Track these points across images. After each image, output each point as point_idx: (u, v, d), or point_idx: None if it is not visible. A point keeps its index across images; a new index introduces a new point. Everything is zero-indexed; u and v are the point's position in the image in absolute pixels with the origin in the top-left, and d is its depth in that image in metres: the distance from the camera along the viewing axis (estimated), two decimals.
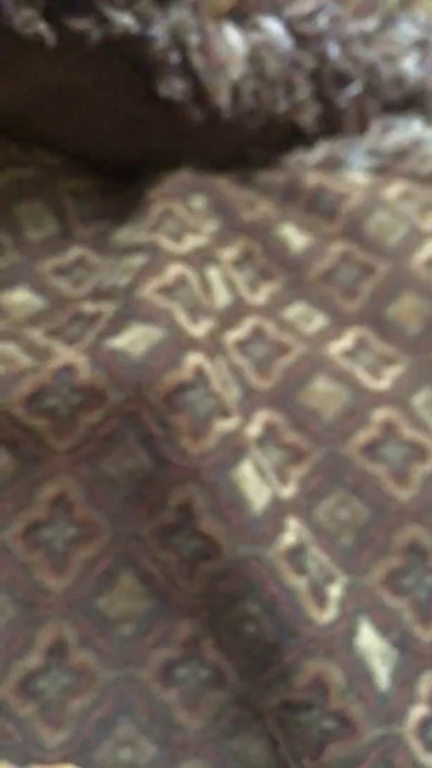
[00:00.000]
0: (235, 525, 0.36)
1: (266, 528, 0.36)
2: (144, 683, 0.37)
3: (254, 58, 0.49)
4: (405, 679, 0.34)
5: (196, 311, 0.43)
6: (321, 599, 0.35)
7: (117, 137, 0.56)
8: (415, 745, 0.32)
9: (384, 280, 0.50)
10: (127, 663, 0.37)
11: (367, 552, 0.38)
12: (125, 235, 0.52)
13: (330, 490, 0.40)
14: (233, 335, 0.46)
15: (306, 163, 0.62)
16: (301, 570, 0.35)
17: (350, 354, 0.46)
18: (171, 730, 0.36)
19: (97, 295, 0.46)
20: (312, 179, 0.57)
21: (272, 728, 0.34)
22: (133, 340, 0.40)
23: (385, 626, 0.35)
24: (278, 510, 0.37)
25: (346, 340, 0.47)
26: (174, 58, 0.45)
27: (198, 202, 0.54)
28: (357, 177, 0.58)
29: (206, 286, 0.47)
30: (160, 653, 0.37)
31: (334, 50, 0.56)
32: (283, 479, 0.40)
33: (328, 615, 0.34)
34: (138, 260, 0.46)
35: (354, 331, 0.48)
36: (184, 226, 0.50)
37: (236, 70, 0.47)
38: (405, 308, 0.49)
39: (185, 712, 0.36)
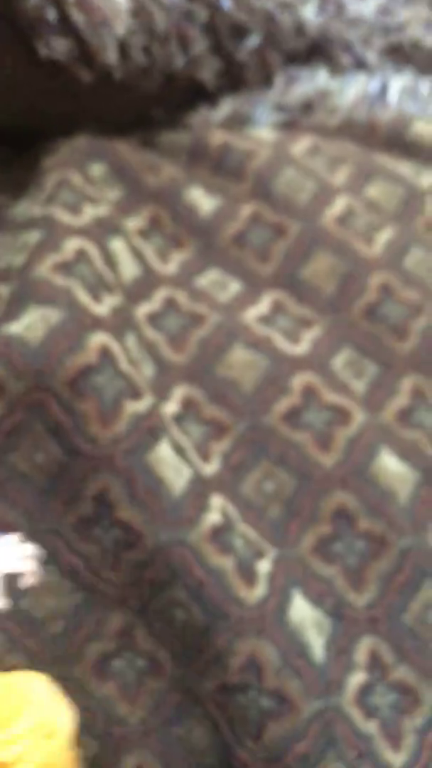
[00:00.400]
0: (155, 511, 0.34)
1: (187, 510, 0.34)
2: (79, 679, 0.35)
3: (140, 11, 0.45)
4: (341, 647, 0.33)
5: (98, 288, 0.41)
6: (249, 577, 0.34)
7: (5, 102, 0.52)
8: (356, 714, 0.32)
9: (296, 241, 0.48)
10: (60, 661, 0.35)
11: (296, 522, 0.37)
12: (21, 209, 0.48)
13: (255, 462, 0.39)
14: (144, 309, 0.44)
15: (210, 122, 0.60)
16: (226, 549, 0.34)
17: (266, 319, 0.45)
18: (112, 723, 0.35)
19: None
20: (217, 138, 0.54)
21: (213, 712, 0.33)
22: (31, 324, 0.37)
23: (318, 596, 0.35)
24: (200, 489, 0.36)
25: (262, 306, 0.46)
26: (51, 14, 0.41)
27: (97, 169, 0.50)
28: (263, 133, 0.56)
29: (110, 260, 0.44)
30: (94, 647, 0.36)
31: (226, 0, 0.53)
32: (205, 456, 0.39)
33: (257, 592, 0.33)
34: (34, 236, 0.43)
35: (269, 296, 0.47)
36: (82, 196, 0.47)
37: (121, 25, 0.43)
38: (319, 268, 0.47)
39: (125, 704, 0.35)
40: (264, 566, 0.35)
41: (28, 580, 0.31)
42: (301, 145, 0.55)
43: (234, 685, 0.32)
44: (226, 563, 0.33)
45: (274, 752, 0.31)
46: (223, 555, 0.33)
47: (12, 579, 0.32)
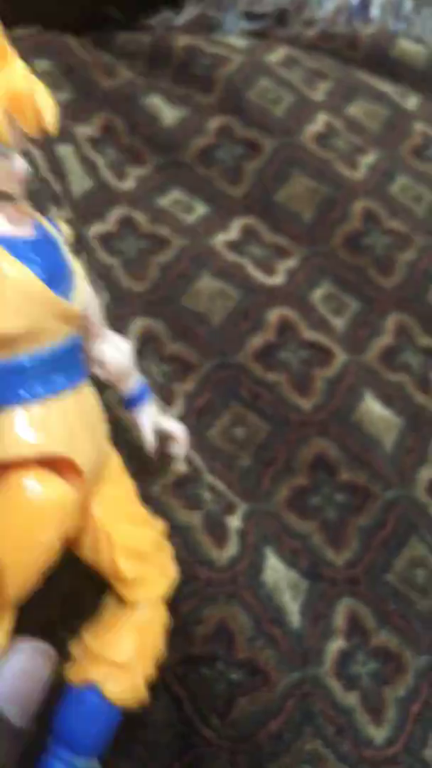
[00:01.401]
0: None
1: (150, 460, 0.29)
2: None
3: None
4: (319, 612, 0.30)
5: (44, 200, 0.34)
6: (220, 534, 0.29)
7: None
8: (334, 685, 0.28)
9: (271, 159, 0.42)
10: None
11: (269, 473, 0.33)
12: None
13: (223, 405, 0.34)
14: (97, 229, 0.38)
15: (174, 25, 0.53)
16: (194, 503, 0.29)
17: (237, 246, 0.40)
18: None
19: None
20: (182, 41, 0.47)
21: (174, 686, 0.29)
22: None
23: (293, 554, 0.31)
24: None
25: (232, 231, 0.40)
26: None
27: (42, 66, 0.43)
28: (233, 40, 0.50)
29: (57, 169, 0.38)
30: None
31: None
32: (167, 399, 0.34)
33: (228, 551, 0.29)
34: None
35: (240, 220, 0.41)
36: None
37: None
38: (297, 192, 0.42)
39: None
40: (234, 522, 0.30)
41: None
42: (276, 54, 0.48)
43: (199, 656, 0.28)
44: (194, 519, 0.29)
45: (244, 730, 0.27)
46: (191, 510, 0.29)
47: None
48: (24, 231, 0.21)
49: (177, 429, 0.27)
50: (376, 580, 0.31)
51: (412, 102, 0.49)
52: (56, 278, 0.20)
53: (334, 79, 0.48)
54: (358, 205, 0.42)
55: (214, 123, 0.44)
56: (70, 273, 0.21)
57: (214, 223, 0.41)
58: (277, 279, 0.38)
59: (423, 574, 0.31)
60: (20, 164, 0.21)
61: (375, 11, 0.58)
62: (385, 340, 0.38)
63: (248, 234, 0.41)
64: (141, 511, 0.24)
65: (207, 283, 0.37)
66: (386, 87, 0.49)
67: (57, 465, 0.20)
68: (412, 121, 0.47)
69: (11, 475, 0.19)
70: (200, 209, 0.41)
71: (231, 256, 0.39)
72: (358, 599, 0.31)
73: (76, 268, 0.22)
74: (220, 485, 0.32)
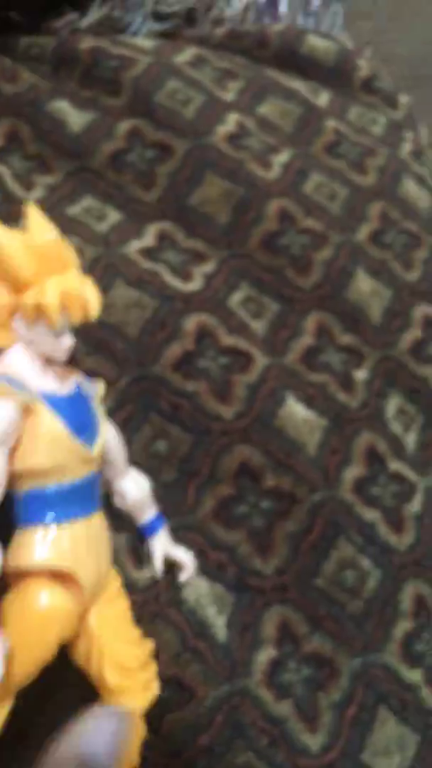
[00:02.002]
0: None
1: None
2: None
3: None
4: (247, 623, 0.29)
5: None
6: (140, 555, 0.28)
7: None
8: (265, 696, 0.28)
9: (183, 162, 0.42)
10: None
11: (194, 485, 0.32)
12: None
13: (143, 419, 0.33)
14: None
15: (79, 27, 0.51)
16: (118, 524, 0.29)
17: (153, 253, 0.39)
18: None
19: None
20: (87, 43, 0.46)
21: None
22: None
23: (218, 568, 0.30)
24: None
25: (147, 238, 0.40)
26: None
27: None
28: (140, 41, 0.49)
29: None
30: None
31: None
32: None
33: (148, 572, 0.28)
34: None
35: (155, 226, 0.40)
36: None
37: None
38: (211, 194, 0.41)
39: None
40: (159, 544, 0.29)
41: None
42: (185, 55, 0.48)
43: None
44: (116, 541, 0.28)
45: (175, 745, 0.27)
46: (115, 531, 0.28)
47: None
48: (65, 388, 0.26)
49: (185, 559, 0.29)
50: (305, 586, 0.31)
51: (323, 99, 0.49)
52: (83, 428, 0.25)
53: (245, 78, 0.48)
54: (273, 205, 0.41)
55: (124, 126, 0.43)
56: (96, 424, 0.26)
57: (128, 231, 0.40)
58: (194, 285, 0.38)
59: (352, 575, 0.31)
60: (68, 341, 0.26)
61: (283, 8, 0.58)
62: (306, 340, 0.38)
63: (163, 240, 0.40)
64: (133, 631, 0.26)
65: (122, 293, 0.36)
66: (297, 84, 0.49)
67: (64, 578, 0.24)
68: (324, 118, 0.47)
69: (26, 583, 0.24)
70: (113, 216, 0.40)
71: (146, 264, 0.38)
72: (288, 606, 0.30)
73: (102, 418, 0.27)
74: None
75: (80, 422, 0.25)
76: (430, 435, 0.39)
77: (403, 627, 0.31)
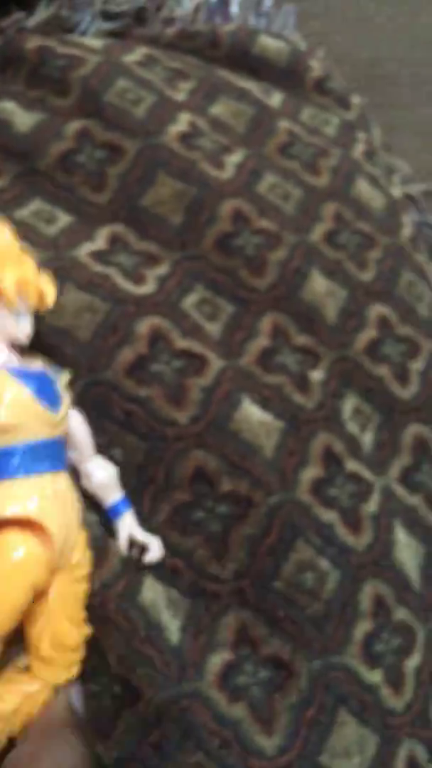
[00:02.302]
0: None
1: None
2: None
3: None
4: (202, 627, 0.29)
5: None
6: (101, 558, 0.28)
7: None
8: (217, 697, 0.28)
9: (134, 162, 0.41)
10: None
11: (149, 492, 0.32)
12: None
13: (97, 427, 0.32)
14: None
15: (26, 26, 0.50)
16: None
17: (104, 256, 0.38)
18: None
19: None
20: (33, 42, 0.45)
21: None
22: None
23: (174, 574, 0.30)
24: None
25: (99, 240, 0.39)
26: None
27: None
28: (88, 41, 0.48)
29: None
30: None
31: None
32: None
33: (103, 576, 0.28)
34: None
35: (107, 228, 0.39)
36: None
37: None
38: (163, 195, 0.41)
39: None
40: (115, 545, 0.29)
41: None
42: (135, 54, 0.47)
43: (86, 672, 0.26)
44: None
45: (128, 745, 0.26)
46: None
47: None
48: (30, 367, 0.29)
49: (150, 541, 0.30)
50: (264, 589, 0.31)
51: (275, 99, 0.49)
52: (47, 398, 0.28)
53: (196, 78, 0.47)
54: (227, 206, 0.41)
55: (73, 127, 0.42)
56: (60, 398, 0.29)
57: (79, 234, 0.39)
58: (147, 288, 0.37)
59: (311, 576, 0.31)
60: (27, 324, 0.30)
61: (234, 8, 0.58)
62: (262, 342, 0.38)
63: (115, 242, 0.39)
64: (81, 614, 0.27)
65: (72, 297, 0.35)
66: (249, 85, 0.49)
67: (34, 529, 0.25)
68: (277, 118, 0.47)
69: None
70: (63, 219, 0.39)
71: (97, 267, 0.37)
72: (246, 610, 0.30)
73: (65, 395, 0.29)
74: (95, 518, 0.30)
75: (44, 393, 0.27)
76: (386, 434, 0.39)
77: (362, 628, 0.31)
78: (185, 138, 0.43)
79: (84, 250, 0.38)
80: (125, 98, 0.43)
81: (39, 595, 0.26)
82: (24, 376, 0.27)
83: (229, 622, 0.29)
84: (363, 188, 0.46)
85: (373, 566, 0.33)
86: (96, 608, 0.28)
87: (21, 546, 0.25)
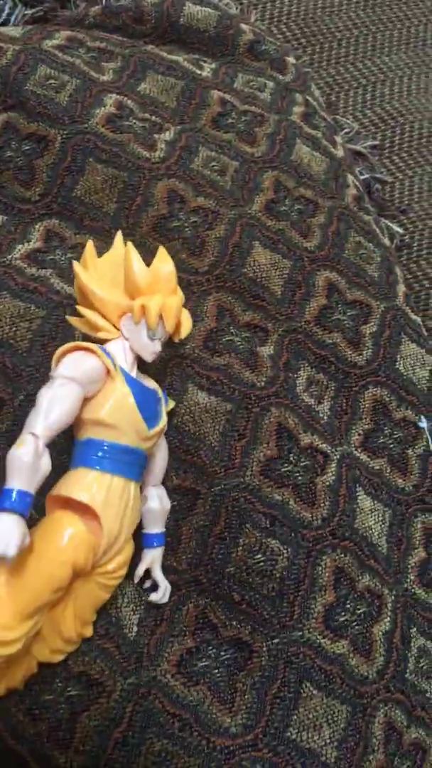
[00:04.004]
0: None
1: None
2: None
3: None
4: (162, 617, 0.28)
5: None
6: None
7: None
8: (174, 683, 0.27)
9: (62, 152, 0.39)
10: None
11: None
12: None
13: None
14: None
15: None
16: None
17: (40, 256, 0.36)
18: None
19: None
20: None
21: (20, 729, 0.26)
22: None
23: (132, 568, 0.29)
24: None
25: (34, 239, 0.37)
26: None
27: None
28: (5, 29, 0.45)
29: None
30: None
31: None
32: None
33: None
34: None
35: (41, 225, 0.38)
36: None
37: None
38: (95, 182, 0.39)
39: None
40: None
41: None
42: (56, 39, 0.44)
43: (39, 679, 0.26)
44: None
45: (92, 748, 0.26)
46: None
47: None
48: (144, 383, 0.30)
49: (163, 584, 0.30)
50: (218, 575, 0.30)
51: (207, 69, 0.46)
52: (148, 414, 0.29)
53: (122, 56, 0.45)
54: (161, 187, 0.39)
55: None
56: (157, 416, 0.30)
57: (13, 234, 0.37)
58: None
59: (262, 558, 0.30)
60: (158, 347, 0.31)
61: None
62: (207, 324, 0.36)
63: (51, 239, 0.37)
64: (89, 616, 0.28)
65: (6, 305, 0.33)
66: (178, 56, 0.46)
67: (89, 518, 0.26)
68: (209, 89, 0.45)
69: (60, 511, 0.27)
70: None
71: (32, 270, 0.35)
72: (204, 597, 0.29)
73: (162, 421, 0.30)
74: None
75: (147, 407, 0.29)
76: (343, 401, 0.38)
77: (322, 601, 0.30)
78: (113, 120, 0.40)
79: (18, 254, 0.36)
80: (48, 86, 0.40)
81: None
82: (135, 385, 0.29)
83: (189, 609, 0.29)
84: (303, 152, 0.44)
85: (332, 538, 0.32)
86: None
87: (76, 526, 0.25)
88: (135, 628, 0.27)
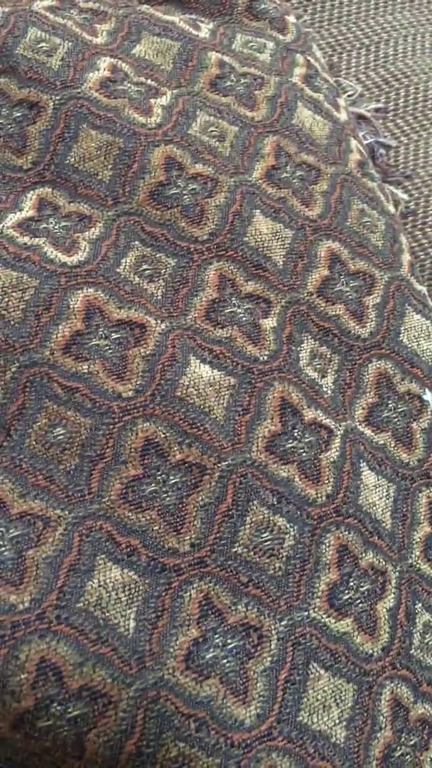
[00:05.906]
0: None
1: None
2: None
3: None
4: (162, 607, 0.26)
5: None
6: (17, 575, 0.25)
7: None
8: (185, 680, 0.25)
9: (54, 117, 0.36)
10: None
11: (98, 469, 0.29)
12: None
13: (37, 408, 0.29)
14: None
15: None
16: None
17: (33, 225, 0.34)
18: None
19: None
20: None
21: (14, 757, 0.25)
22: None
23: (130, 553, 0.27)
24: None
25: (26, 208, 0.34)
26: None
27: None
28: None
29: None
30: None
31: None
32: None
33: (25, 595, 0.25)
34: None
35: (34, 193, 0.35)
36: None
37: None
38: (89, 149, 0.36)
39: None
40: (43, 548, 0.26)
41: None
42: (46, 0, 0.41)
43: (31, 709, 0.24)
44: None
45: (103, 763, 0.24)
46: None
47: None
48: None
49: None
50: (224, 556, 0.28)
51: (204, 30, 0.43)
52: None
53: (116, 17, 0.41)
54: (158, 153, 0.36)
55: None
56: None
57: (4, 203, 0.34)
58: (80, 255, 0.33)
59: (269, 536, 0.29)
60: None
61: None
62: (208, 294, 0.34)
63: (44, 207, 0.35)
64: None
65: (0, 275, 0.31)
66: (174, 17, 0.43)
67: None
68: (207, 50, 0.41)
69: None
70: None
71: (24, 239, 0.33)
72: (208, 580, 0.27)
73: None
74: (38, 503, 0.27)
75: None
76: (347, 375, 0.36)
77: (326, 579, 0.29)
78: (107, 84, 0.37)
79: (10, 222, 0.33)
80: (39, 49, 0.37)
81: None
82: None
83: (192, 595, 0.27)
84: (305, 116, 0.41)
85: (335, 515, 0.30)
86: (30, 627, 0.24)
87: None
88: (132, 624, 0.26)
